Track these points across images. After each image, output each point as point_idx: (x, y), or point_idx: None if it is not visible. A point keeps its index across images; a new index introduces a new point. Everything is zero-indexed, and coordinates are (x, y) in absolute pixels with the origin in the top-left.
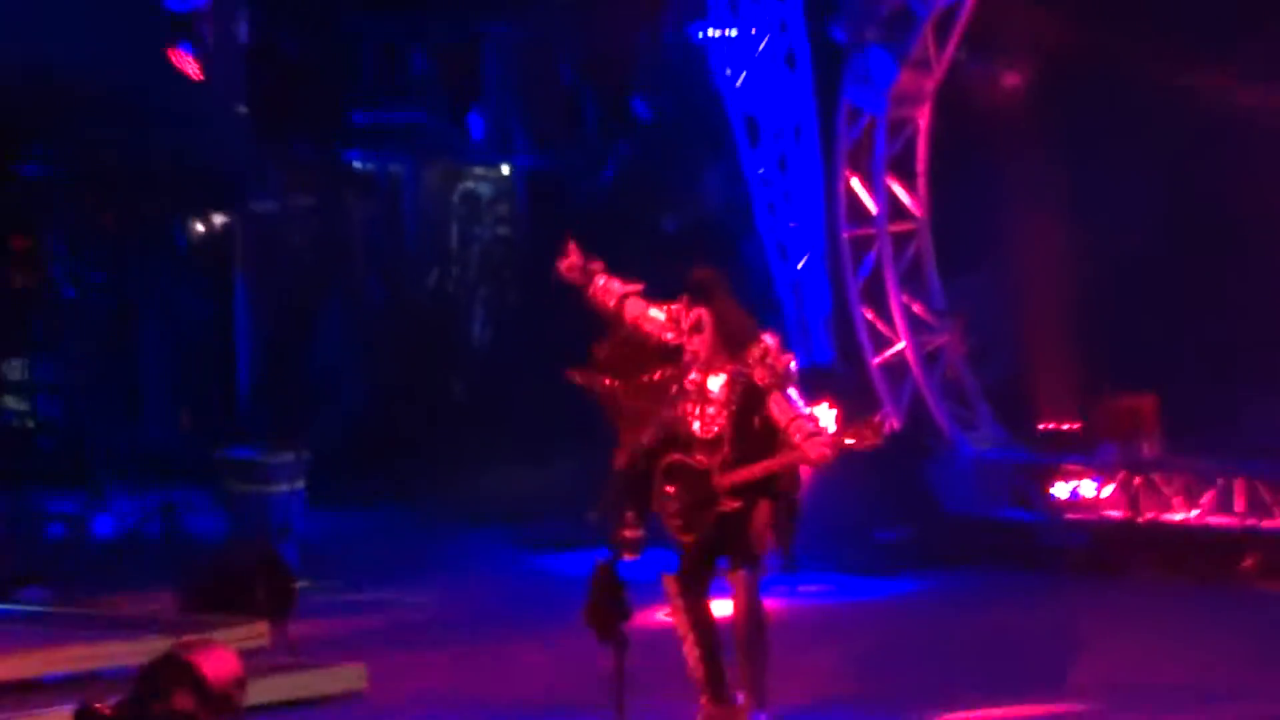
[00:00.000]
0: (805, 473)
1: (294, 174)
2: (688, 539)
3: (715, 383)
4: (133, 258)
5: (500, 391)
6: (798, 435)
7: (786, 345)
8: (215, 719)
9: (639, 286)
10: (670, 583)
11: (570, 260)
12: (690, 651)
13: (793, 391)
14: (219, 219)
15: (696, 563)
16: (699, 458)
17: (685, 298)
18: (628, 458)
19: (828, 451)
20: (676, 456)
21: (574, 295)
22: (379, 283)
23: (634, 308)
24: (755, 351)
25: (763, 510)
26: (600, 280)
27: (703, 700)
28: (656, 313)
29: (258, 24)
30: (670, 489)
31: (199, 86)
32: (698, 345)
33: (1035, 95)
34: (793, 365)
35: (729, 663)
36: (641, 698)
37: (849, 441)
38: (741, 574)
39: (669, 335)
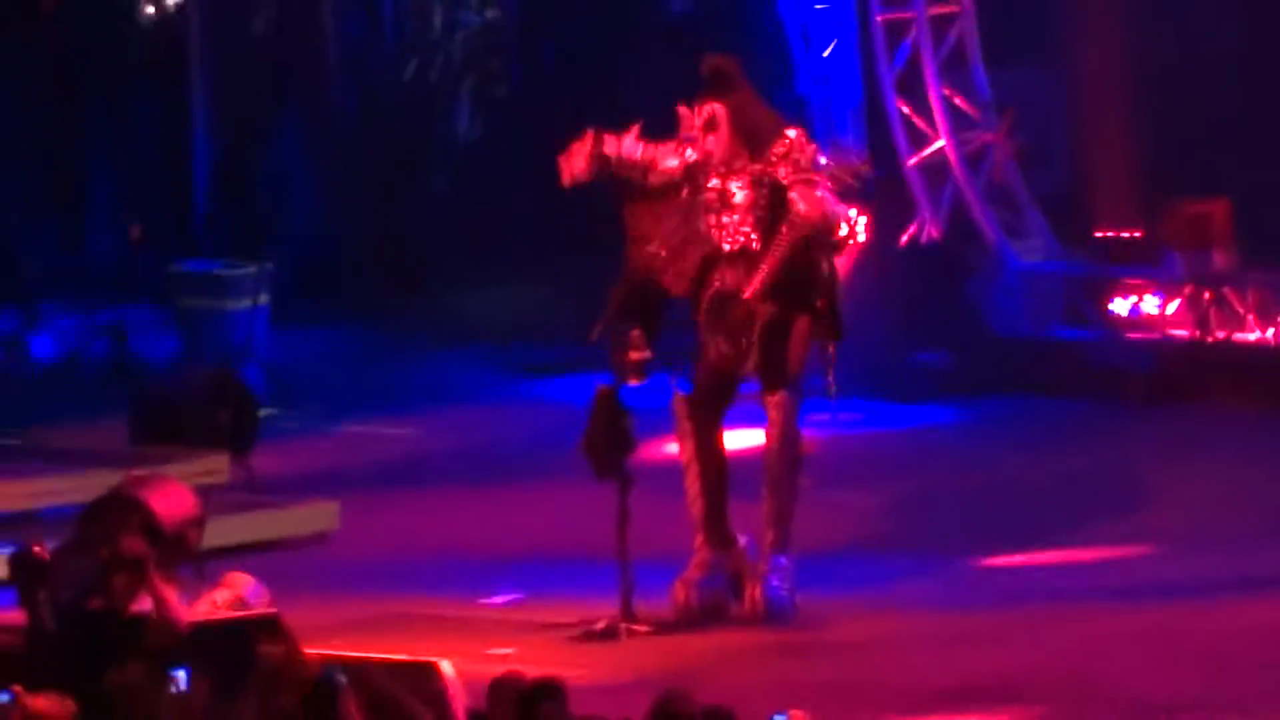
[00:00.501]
0: (844, 284)
1: None
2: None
3: (736, 187)
4: (75, 50)
5: (489, 197)
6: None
7: (813, 140)
8: (169, 563)
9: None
10: (681, 403)
11: (575, 162)
12: (691, 484)
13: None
14: (171, 2)
15: (716, 383)
16: (726, 276)
17: (699, 91)
18: (633, 270)
19: (816, 207)
20: (713, 289)
21: (573, 90)
22: (351, 76)
23: (647, 151)
24: (778, 148)
25: (801, 326)
26: (613, 151)
27: (697, 541)
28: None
29: None
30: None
31: None
32: (712, 145)
33: None
34: (821, 159)
35: (745, 499)
36: (647, 542)
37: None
38: (779, 397)
39: (680, 156)
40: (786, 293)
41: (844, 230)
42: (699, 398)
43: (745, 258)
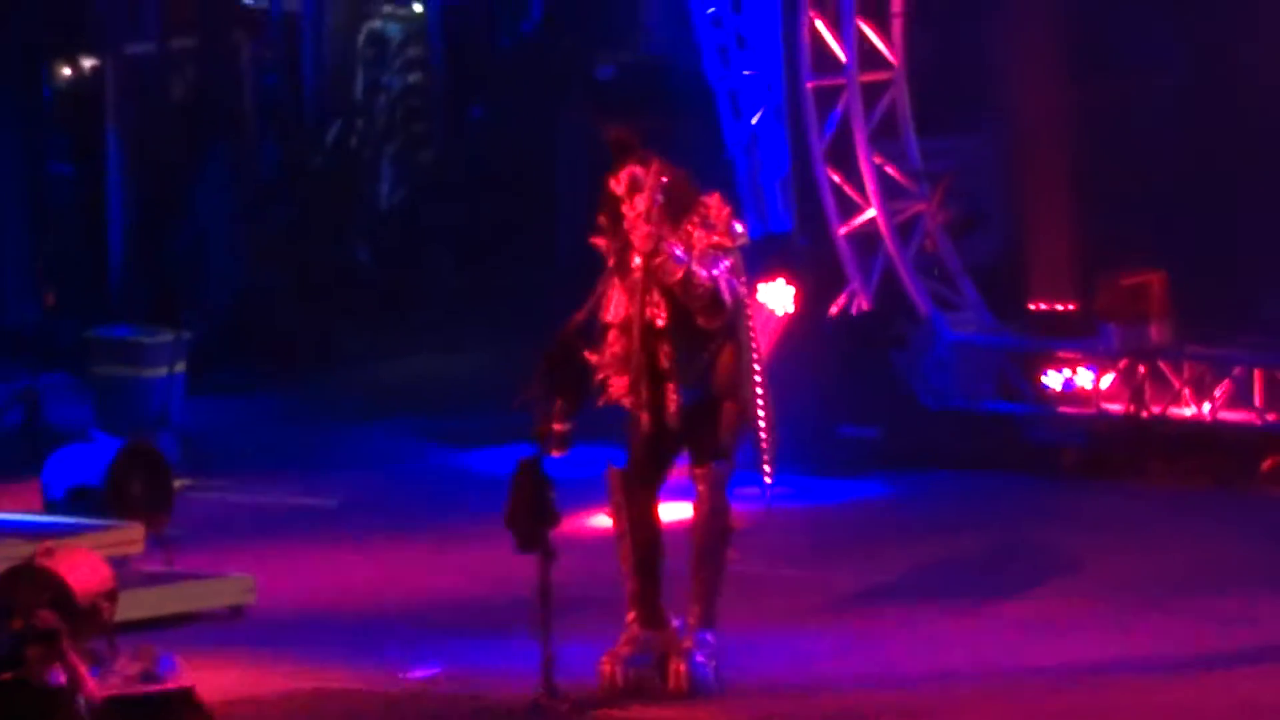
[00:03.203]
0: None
1: (173, 10)
2: (645, 421)
3: (657, 255)
4: None
5: (411, 264)
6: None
7: (738, 213)
8: (82, 635)
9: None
10: (615, 476)
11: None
12: (625, 558)
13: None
14: (87, 63)
15: (651, 454)
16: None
17: (613, 163)
18: (559, 343)
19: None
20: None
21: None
22: (272, 139)
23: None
24: (696, 216)
25: (728, 401)
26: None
27: (629, 617)
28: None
29: None
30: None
31: None
32: (641, 206)
33: None
34: (739, 227)
35: (674, 576)
36: (570, 616)
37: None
38: (707, 469)
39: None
40: (673, 357)
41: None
42: (635, 469)
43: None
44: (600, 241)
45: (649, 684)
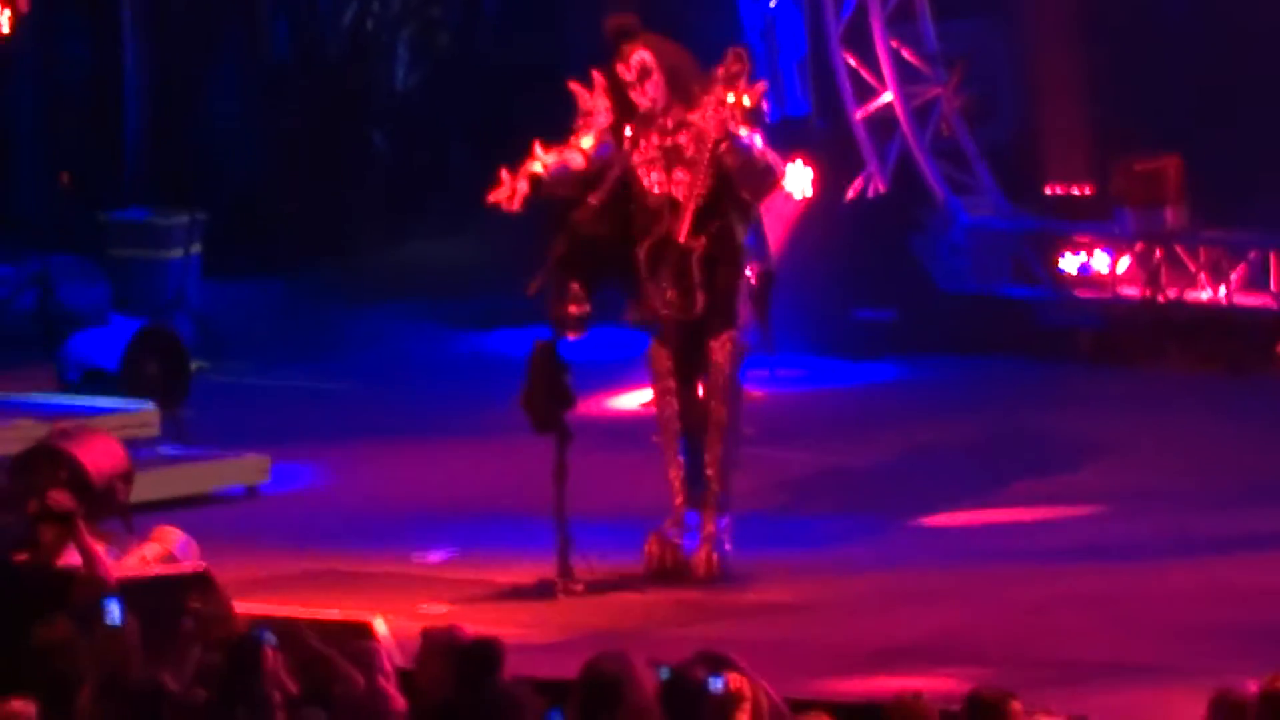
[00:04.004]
0: (778, 241)
1: None
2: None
3: (683, 140)
4: None
5: (427, 149)
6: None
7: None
8: (97, 517)
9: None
10: (657, 356)
11: (504, 190)
12: (669, 441)
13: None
14: None
15: (685, 335)
16: (667, 225)
17: (616, 51)
18: (572, 223)
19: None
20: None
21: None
22: (286, 22)
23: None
24: (727, 62)
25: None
26: (541, 170)
27: (677, 501)
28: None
29: None
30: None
31: None
32: (652, 91)
33: None
34: (763, 104)
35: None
36: (587, 498)
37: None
38: (724, 339)
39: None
40: (720, 233)
41: (775, 178)
42: (671, 353)
43: (683, 206)
44: (580, 90)
45: (689, 568)
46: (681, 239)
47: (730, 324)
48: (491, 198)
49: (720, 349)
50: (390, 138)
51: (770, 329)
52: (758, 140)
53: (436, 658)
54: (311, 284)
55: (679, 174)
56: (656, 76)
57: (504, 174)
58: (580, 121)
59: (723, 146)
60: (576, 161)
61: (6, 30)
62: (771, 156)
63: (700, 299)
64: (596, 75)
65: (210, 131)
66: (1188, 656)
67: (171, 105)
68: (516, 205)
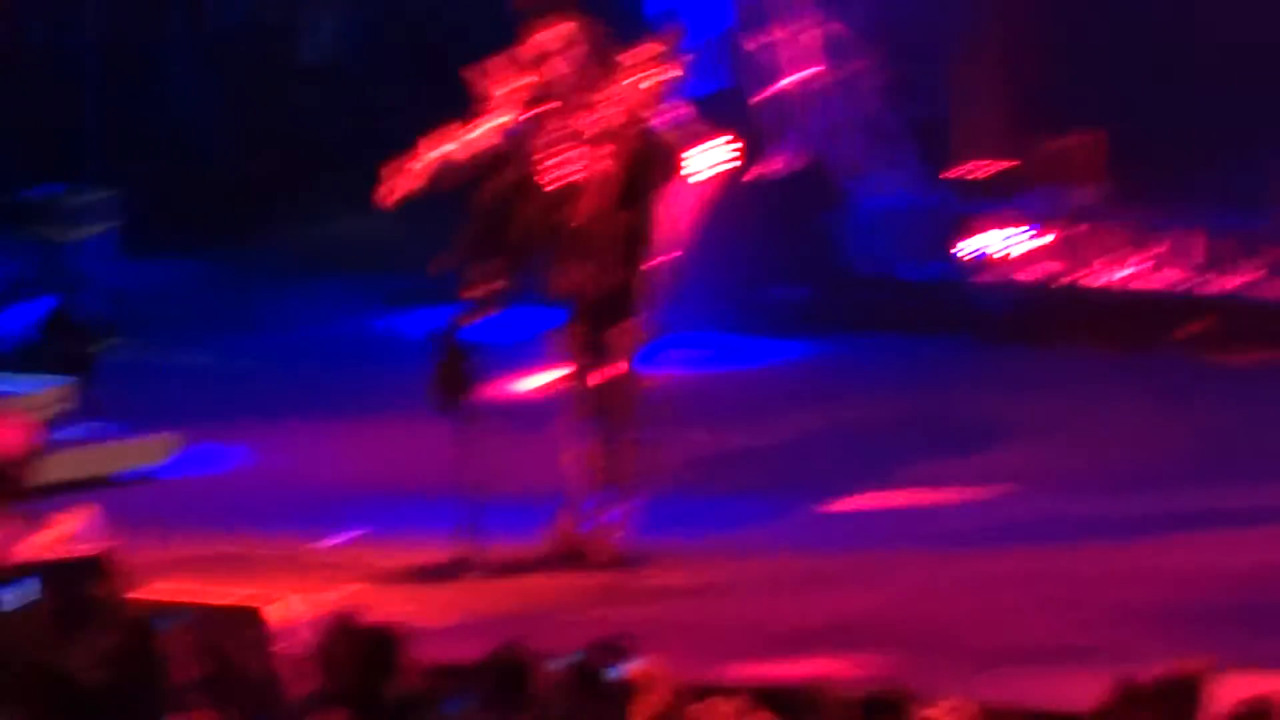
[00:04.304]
0: (689, 219)
1: None
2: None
3: (595, 117)
4: None
5: (356, 120)
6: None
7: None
8: (2, 499)
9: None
10: (562, 338)
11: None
12: (574, 423)
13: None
14: None
15: (592, 317)
16: (583, 203)
17: (529, 23)
18: (484, 203)
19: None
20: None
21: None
22: None
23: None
24: (636, 56)
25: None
26: (419, 169)
27: (585, 480)
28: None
29: None
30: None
31: None
32: (571, 65)
33: None
34: (678, 73)
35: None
36: (491, 481)
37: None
38: (627, 324)
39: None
40: (623, 215)
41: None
42: (579, 334)
43: (603, 184)
44: (477, 76)
45: (592, 551)
46: (582, 220)
47: (630, 309)
48: (375, 197)
49: (622, 333)
50: (316, 109)
51: (674, 311)
52: (675, 118)
53: (339, 642)
54: (233, 261)
55: (587, 153)
56: (579, 50)
57: (385, 171)
58: (477, 107)
59: (632, 130)
60: (460, 154)
61: None
62: (687, 133)
63: (597, 282)
64: (493, 62)
65: (159, 104)
66: (1093, 639)
67: (122, 83)
68: (392, 203)
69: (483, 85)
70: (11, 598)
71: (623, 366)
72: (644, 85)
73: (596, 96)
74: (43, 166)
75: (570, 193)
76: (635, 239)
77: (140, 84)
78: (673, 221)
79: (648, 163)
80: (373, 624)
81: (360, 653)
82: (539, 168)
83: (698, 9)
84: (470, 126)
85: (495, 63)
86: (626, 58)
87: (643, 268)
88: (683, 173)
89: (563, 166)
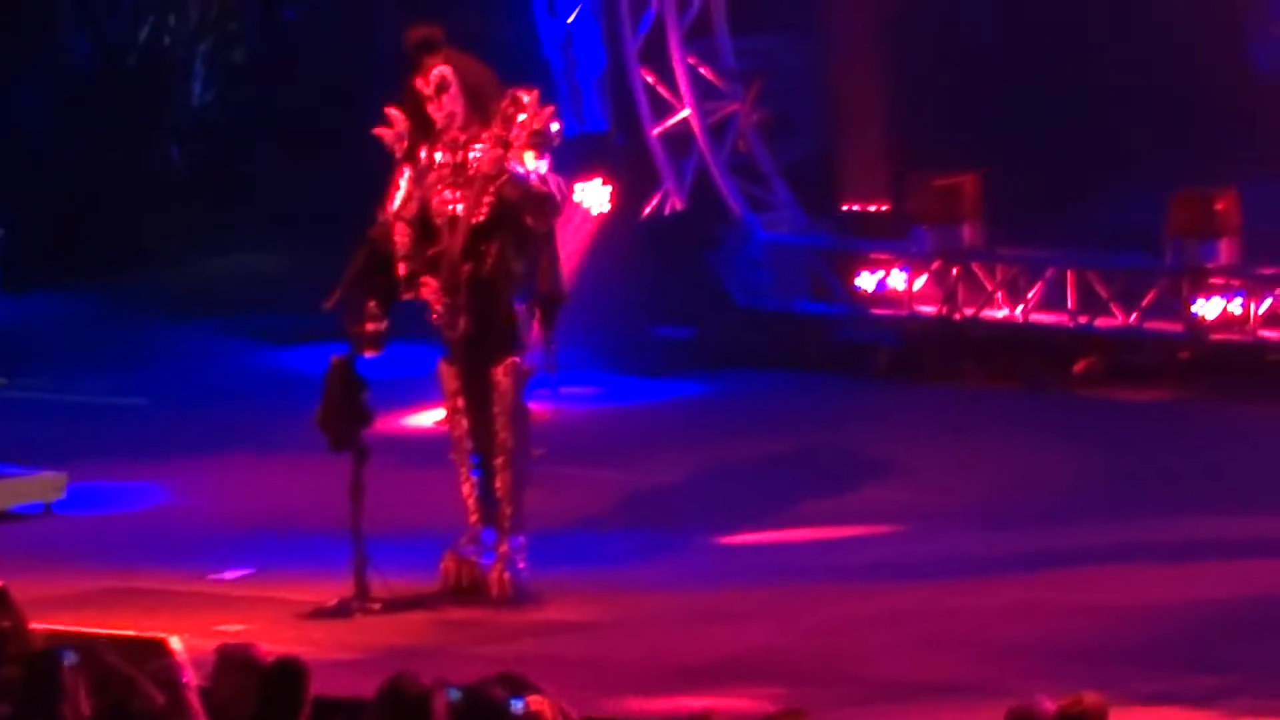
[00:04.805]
0: (569, 265)
1: None
2: (464, 324)
3: (474, 157)
4: None
5: (225, 164)
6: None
7: (555, 114)
8: None
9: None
10: (446, 373)
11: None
12: (462, 458)
13: (542, 164)
14: None
15: (472, 352)
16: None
17: (417, 64)
18: (370, 240)
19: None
20: (435, 249)
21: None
22: (85, 37)
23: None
24: (512, 109)
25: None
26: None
27: (472, 519)
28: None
29: None
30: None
31: None
32: (449, 105)
33: None
34: (554, 126)
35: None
36: (384, 516)
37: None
38: (507, 364)
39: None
40: (493, 257)
41: (555, 207)
42: (459, 368)
43: (472, 224)
44: (384, 133)
45: (483, 586)
46: (454, 257)
47: (510, 348)
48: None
49: (502, 372)
50: (185, 153)
51: (555, 350)
52: (542, 167)
53: (233, 675)
54: (109, 299)
55: (463, 193)
56: (454, 92)
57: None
58: (396, 153)
59: (500, 179)
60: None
61: None
62: (553, 184)
63: (464, 321)
64: (393, 112)
65: (12, 142)
66: (988, 673)
67: None
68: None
69: (390, 139)
70: None
71: (506, 403)
72: (501, 150)
73: (474, 137)
74: None
75: (438, 230)
76: (490, 284)
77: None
78: (554, 262)
79: (518, 206)
80: (275, 657)
81: (261, 687)
82: (419, 204)
83: (581, 48)
84: (393, 189)
85: (392, 118)
86: (503, 103)
87: (505, 313)
88: (559, 215)
89: (441, 205)
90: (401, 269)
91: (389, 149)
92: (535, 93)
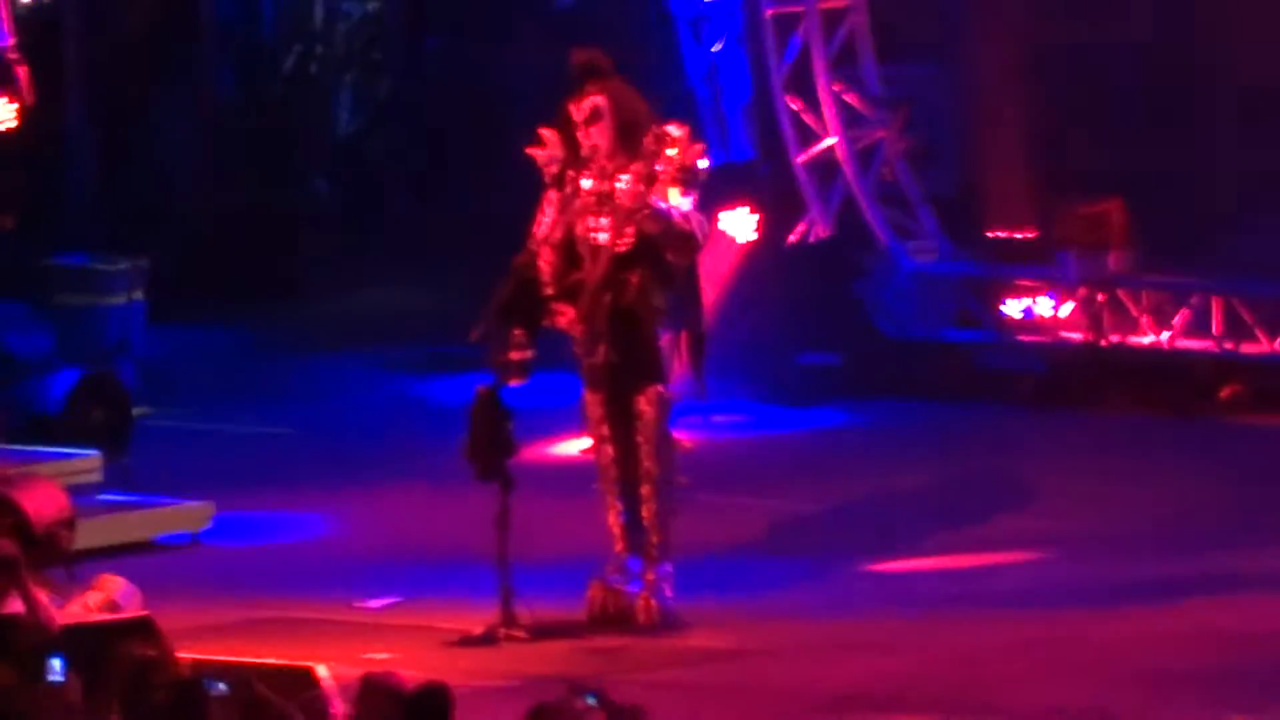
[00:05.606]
0: (710, 298)
1: None
2: (602, 352)
3: (620, 187)
4: None
5: (370, 194)
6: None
7: (701, 140)
8: (40, 564)
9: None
10: (591, 403)
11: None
12: (609, 486)
13: (686, 201)
14: None
15: (613, 381)
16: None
17: (578, 87)
18: (516, 268)
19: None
20: (577, 276)
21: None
22: (229, 68)
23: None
24: (661, 144)
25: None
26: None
27: (618, 547)
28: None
29: None
30: (566, 309)
31: None
32: (596, 137)
33: None
34: (702, 162)
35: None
36: (531, 545)
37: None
38: (652, 392)
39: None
40: (634, 288)
41: (694, 243)
42: (602, 397)
43: (614, 254)
44: (537, 153)
45: (630, 615)
46: (595, 285)
47: (653, 377)
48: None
49: (645, 401)
50: (333, 181)
51: (704, 379)
52: (686, 204)
53: (378, 702)
54: (257, 330)
55: (608, 220)
56: (604, 124)
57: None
58: (546, 175)
59: (642, 214)
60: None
61: (15, 123)
62: (695, 222)
63: (604, 349)
64: (546, 133)
65: (155, 177)
66: (1126, 701)
67: (117, 151)
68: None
69: (542, 158)
70: (61, 669)
71: (650, 432)
72: (662, 168)
73: (622, 167)
74: (25, 232)
75: (582, 259)
76: (630, 314)
77: (128, 152)
78: (696, 297)
79: (658, 241)
80: (418, 685)
81: (405, 714)
82: (565, 230)
83: (727, 78)
84: (540, 214)
85: (545, 133)
86: (651, 137)
87: (647, 343)
88: (699, 253)
89: (586, 231)
90: (546, 294)
91: (539, 169)
92: (686, 129)
